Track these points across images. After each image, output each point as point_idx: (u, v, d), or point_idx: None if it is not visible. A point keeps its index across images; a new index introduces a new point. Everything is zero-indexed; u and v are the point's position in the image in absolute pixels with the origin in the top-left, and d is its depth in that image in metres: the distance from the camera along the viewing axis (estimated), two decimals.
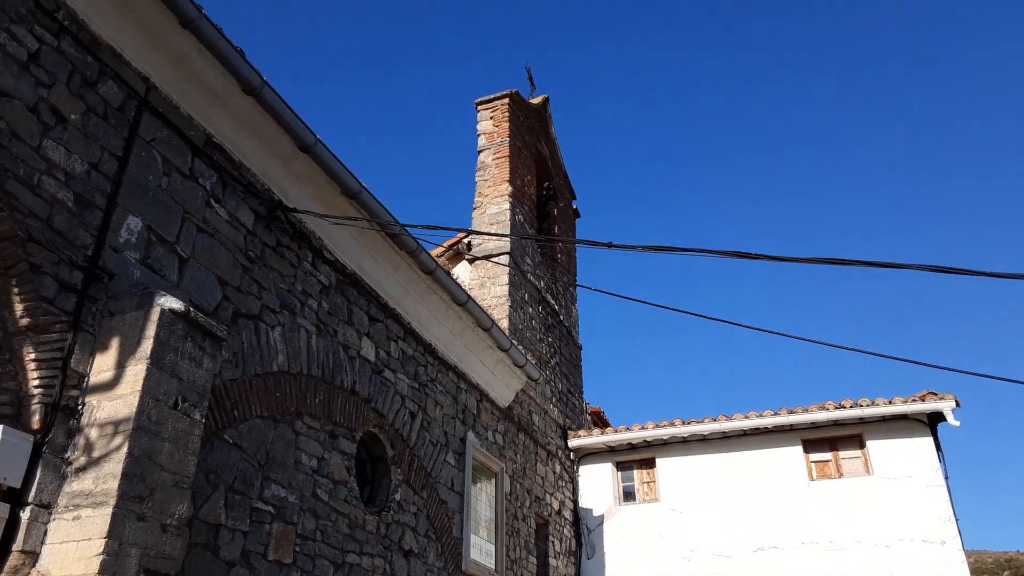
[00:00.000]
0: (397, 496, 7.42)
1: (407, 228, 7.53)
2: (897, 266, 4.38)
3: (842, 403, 11.55)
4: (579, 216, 17.65)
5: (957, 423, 10.97)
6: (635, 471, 12.99)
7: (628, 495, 12.85)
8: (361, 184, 7.03)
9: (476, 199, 13.75)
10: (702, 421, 12.29)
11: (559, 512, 12.08)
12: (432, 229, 6.30)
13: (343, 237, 7.26)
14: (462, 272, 12.89)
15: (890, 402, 11.34)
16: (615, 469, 13.03)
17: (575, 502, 12.84)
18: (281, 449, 5.95)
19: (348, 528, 6.55)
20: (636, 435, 12.59)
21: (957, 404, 11.03)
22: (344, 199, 7.02)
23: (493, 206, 13.47)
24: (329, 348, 6.80)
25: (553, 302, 14.46)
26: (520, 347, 11.75)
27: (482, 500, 9.17)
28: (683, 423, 12.40)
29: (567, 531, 12.26)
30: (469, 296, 8.83)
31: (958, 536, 10.64)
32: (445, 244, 13.29)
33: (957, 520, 11.00)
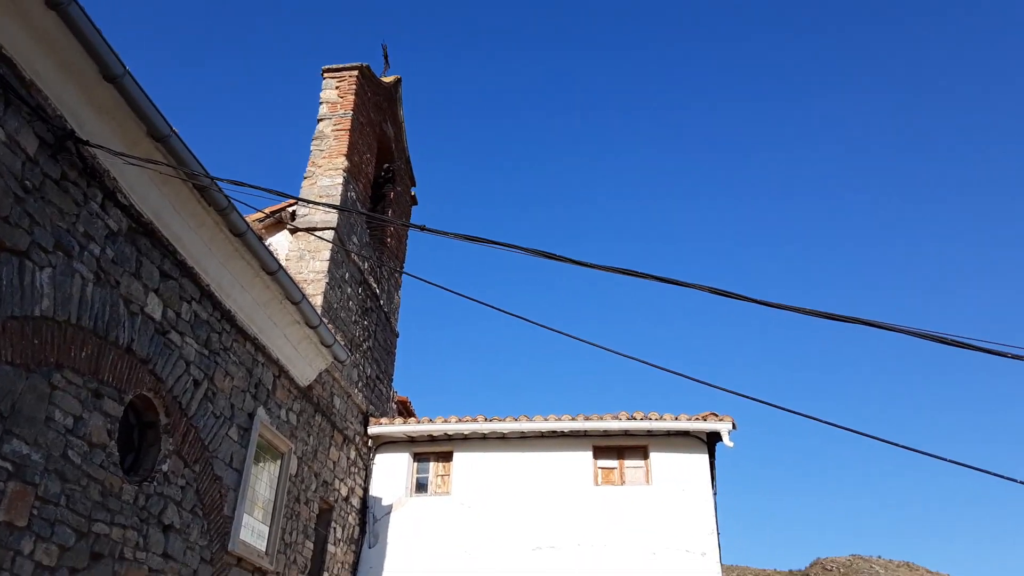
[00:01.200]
0: (164, 467, 6.93)
1: (218, 182, 7.06)
2: (677, 283, 4.63)
3: (634, 415, 12.18)
4: (416, 203, 17.48)
5: (731, 444, 11.89)
6: (432, 463, 13.01)
7: (421, 487, 12.86)
8: (172, 128, 6.50)
9: (309, 169, 13.26)
10: (504, 420, 12.53)
11: (347, 499, 11.85)
12: (245, 187, 5.92)
13: (142, 182, 6.69)
14: (281, 242, 12.37)
15: (676, 418, 12.09)
16: (412, 460, 13.00)
17: (366, 490, 12.66)
18: (31, 402, 5.36)
19: (100, 496, 6.01)
20: (438, 428, 12.62)
21: (734, 426, 11.95)
22: (150, 141, 6.47)
23: (326, 179, 13.04)
24: (107, 300, 6.22)
25: (375, 286, 14.21)
26: (331, 326, 11.43)
27: (263, 480, 8.78)
28: (485, 420, 12.58)
29: (352, 518, 12.06)
30: (280, 266, 8.45)
31: (717, 549, 11.52)
32: (267, 210, 12.68)
33: (719, 534, 11.92)
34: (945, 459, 5.42)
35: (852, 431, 5.62)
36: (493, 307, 6.34)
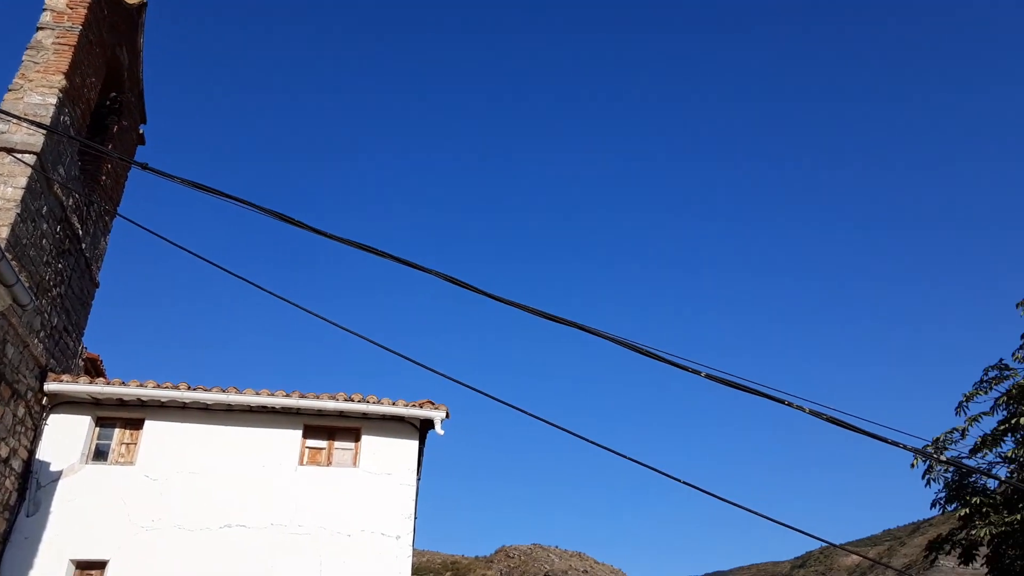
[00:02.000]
0: None
1: None
2: (413, 265, 4.65)
3: (351, 396, 12.05)
4: (143, 143, 15.82)
5: (443, 432, 12.23)
6: (117, 430, 11.81)
7: (101, 454, 11.61)
8: None
9: (16, 81, 11.48)
10: (209, 389, 11.73)
11: (6, 460, 10.34)
12: None
13: None
14: None
15: (393, 403, 12.17)
16: (94, 424, 11.69)
17: (32, 453, 11.15)
18: None
19: None
20: (130, 392, 11.48)
21: (447, 416, 12.30)
22: None
23: (36, 95, 11.35)
24: None
25: (78, 226, 12.61)
26: (15, 264, 9.93)
27: None
28: (188, 388, 11.69)
29: (10, 483, 10.54)
30: None
31: (412, 533, 11.78)
32: None
33: (416, 519, 12.20)
34: (615, 451, 6.02)
35: (548, 423, 6.04)
36: (218, 266, 5.90)
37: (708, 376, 4.87)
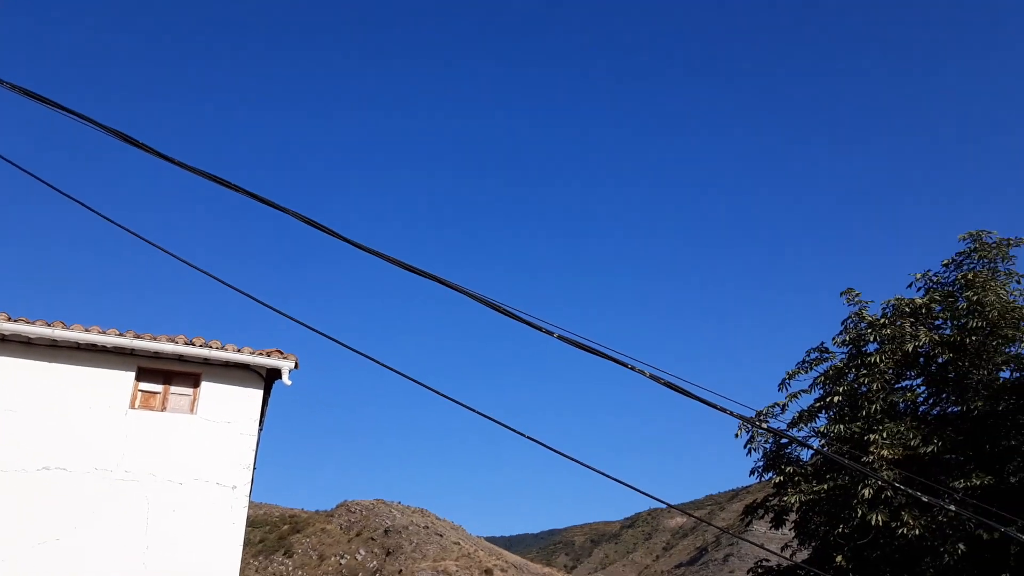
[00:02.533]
0: None
1: None
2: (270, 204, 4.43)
3: (193, 340, 11.46)
4: None
5: (290, 383, 11.89)
6: None
7: None
8: None
9: None
10: (33, 322, 10.80)
11: None
12: None
13: None
14: None
15: (239, 350, 11.68)
16: None
17: None
18: None
19: None
20: None
21: (296, 366, 11.96)
22: None
23: None
24: None
25: None
26: None
27: None
28: (9, 319, 10.71)
29: None
30: None
31: (249, 484, 11.44)
32: None
33: (255, 470, 11.86)
34: (451, 398, 6.08)
35: (389, 368, 5.98)
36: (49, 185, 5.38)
37: (561, 338, 4.98)
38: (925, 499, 10.21)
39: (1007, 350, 15.04)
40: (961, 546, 12.97)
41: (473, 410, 5.98)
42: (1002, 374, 15.30)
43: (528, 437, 5.82)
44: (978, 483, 13.38)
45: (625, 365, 4.91)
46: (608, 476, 6.14)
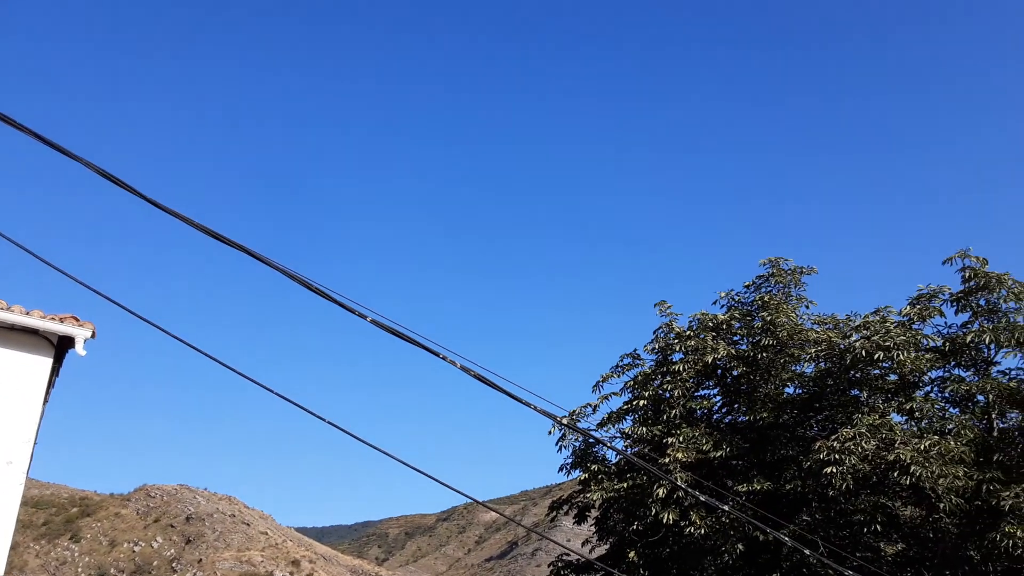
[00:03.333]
0: None
1: None
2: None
3: None
4: None
5: (84, 353, 10.95)
6: None
7: None
8: None
9: None
10: None
11: None
12: None
13: None
14: None
15: (27, 313, 10.61)
16: None
17: None
18: None
19: None
20: None
21: (94, 335, 11.03)
22: None
23: None
24: None
25: None
26: None
27: None
28: None
29: None
30: None
31: (29, 460, 10.44)
32: None
33: (36, 445, 10.84)
34: (259, 384, 5.89)
35: (193, 348, 5.70)
36: None
37: (373, 322, 4.94)
38: (703, 498, 11.04)
39: (793, 368, 16.63)
40: (740, 546, 14.15)
41: (274, 392, 5.79)
42: (787, 389, 16.90)
43: (329, 423, 5.71)
44: (759, 488, 14.69)
45: (436, 354, 4.95)
46: (411, 467, 6.16)
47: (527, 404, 5.78)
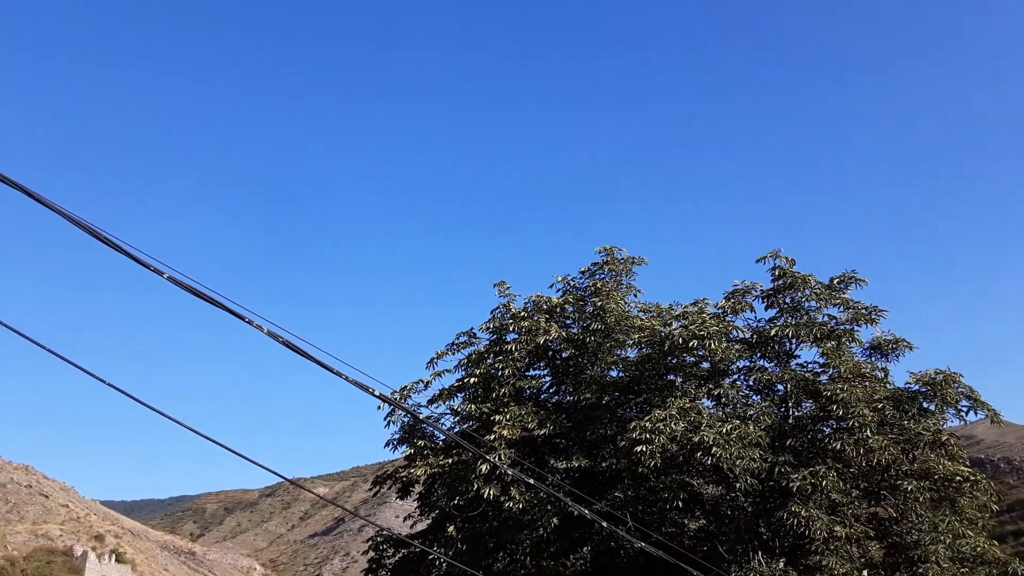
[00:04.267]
0: None
1: None
2: None
3: None
4: None
5: None
6: None
7: None
8: None
9: None
10: None
11: None
12: None
13: None
14: None
15: None
16: None
17: None
18: None
19: None
20: None
21: None
22: None
23: None
24: None
25: None
26: None
27: None
28: None
29: None
30: None
31: None
32: None
33: None
34: (49, 350, 5.29)
35: None
36: None
37: (171, 279, 4.49)
38: (510, 471, 11.16)
39: (618, 352, 17.29)
40: (555, 520, 14.58)
41: (61, 357, 5.19)
42: (611, 372, 17.56)
43: (118, 388, 5.18)
44: (577, 465, 15.18)
45: (242, 318, 4.57)
46: (213, 440, 5.73)
47: (339, 375, 5.53)
